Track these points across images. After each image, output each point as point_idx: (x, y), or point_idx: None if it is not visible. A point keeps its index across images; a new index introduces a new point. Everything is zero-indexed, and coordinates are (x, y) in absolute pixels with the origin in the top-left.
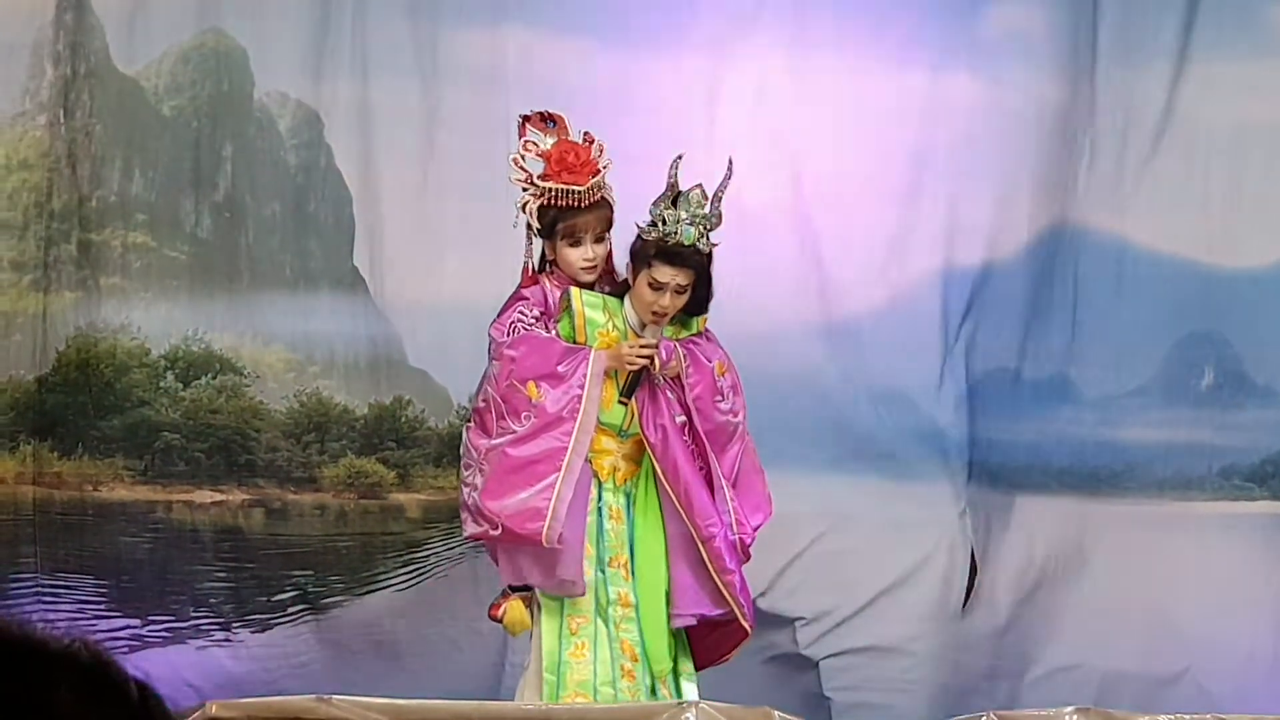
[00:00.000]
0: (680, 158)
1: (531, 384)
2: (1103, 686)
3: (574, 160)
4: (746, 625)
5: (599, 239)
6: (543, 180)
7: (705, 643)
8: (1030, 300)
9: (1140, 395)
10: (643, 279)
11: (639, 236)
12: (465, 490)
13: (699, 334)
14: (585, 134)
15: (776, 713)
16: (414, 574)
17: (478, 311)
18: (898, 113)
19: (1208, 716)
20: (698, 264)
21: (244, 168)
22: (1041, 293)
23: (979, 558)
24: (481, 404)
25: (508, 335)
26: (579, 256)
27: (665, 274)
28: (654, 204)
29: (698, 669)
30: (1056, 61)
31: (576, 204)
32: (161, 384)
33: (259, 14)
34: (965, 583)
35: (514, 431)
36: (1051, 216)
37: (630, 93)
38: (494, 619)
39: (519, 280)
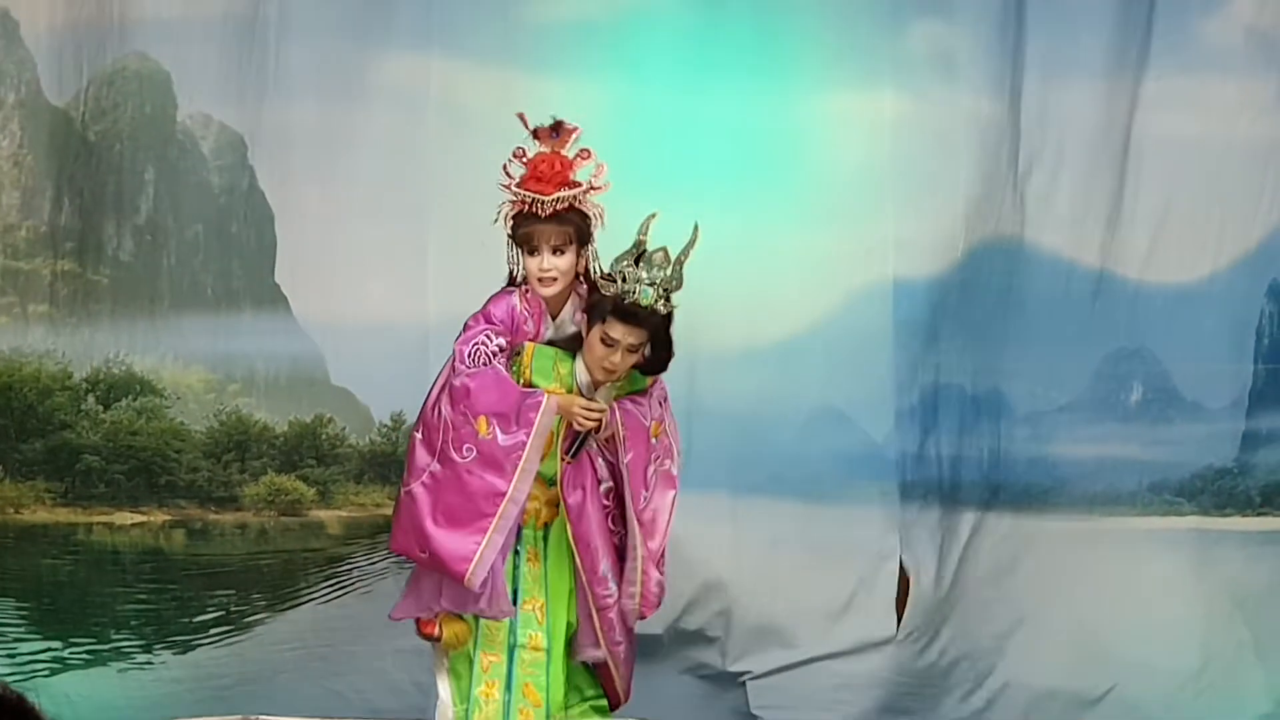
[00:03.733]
0: (654, 216)
1: (483, 418)
2: (1030, 704)
3: (546, 169)
4: (620, 694)
5: (558, 250)
6: (518, 187)
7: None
8: (962, 316)
9: (1070, 411)
10: (596, 333)
11: (597, 290)
12: (402, 499)
13: (642, 391)
14: (583, 150)
15: None
16: (335, 589)
17: (399, 330)
18: (824, 130)
19: None
20: (652, 324)
21: (166, 190)
22: (973, 309)
23: (911, 576)
24: (433, 418)
25: (468, 360)
26: (535, 266)
27: (618, 331)
28: (617, 259)
29: None
30: (984, 78)
31: (536, 212)
32: (83, 407)
33: (181, 37)
34: (897, 602)
35: (456, 462)
36: (984, 232)
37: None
38: (427, 637)
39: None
